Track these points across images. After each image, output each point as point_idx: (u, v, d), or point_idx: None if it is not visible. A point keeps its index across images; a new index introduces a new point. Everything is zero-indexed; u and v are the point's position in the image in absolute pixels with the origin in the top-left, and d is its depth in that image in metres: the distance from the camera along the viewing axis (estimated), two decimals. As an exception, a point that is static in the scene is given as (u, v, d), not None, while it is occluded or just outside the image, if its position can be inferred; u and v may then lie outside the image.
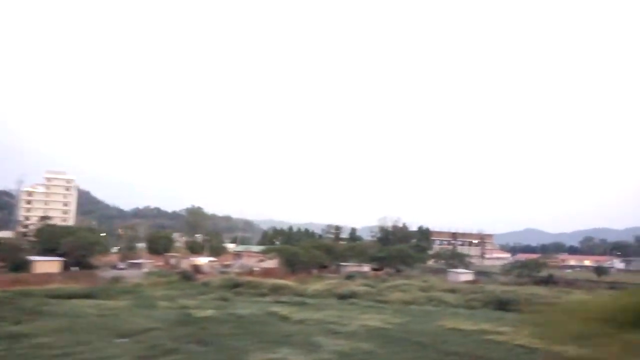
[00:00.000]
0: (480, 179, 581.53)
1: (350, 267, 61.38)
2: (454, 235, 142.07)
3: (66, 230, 56.51)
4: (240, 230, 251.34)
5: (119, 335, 20.86)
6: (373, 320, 26.47)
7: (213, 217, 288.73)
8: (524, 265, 58.32)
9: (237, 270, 56.07)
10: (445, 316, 28.83)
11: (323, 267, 63.54)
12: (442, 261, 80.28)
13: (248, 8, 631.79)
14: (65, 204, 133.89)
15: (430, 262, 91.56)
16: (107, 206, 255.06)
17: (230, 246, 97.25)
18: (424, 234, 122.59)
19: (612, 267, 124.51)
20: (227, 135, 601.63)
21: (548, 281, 51.62)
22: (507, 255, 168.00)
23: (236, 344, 20.02)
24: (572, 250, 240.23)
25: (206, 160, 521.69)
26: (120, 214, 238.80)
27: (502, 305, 34.09)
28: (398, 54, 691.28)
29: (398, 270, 59.38)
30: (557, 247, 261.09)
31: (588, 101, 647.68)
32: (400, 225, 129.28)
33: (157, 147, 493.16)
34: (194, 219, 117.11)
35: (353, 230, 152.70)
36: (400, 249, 60.48)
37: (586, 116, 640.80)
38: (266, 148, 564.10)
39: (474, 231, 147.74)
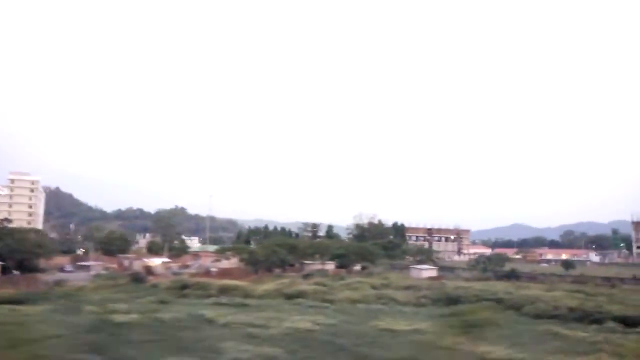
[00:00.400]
0: (466, 175, 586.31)
1: (314, 265, 59.88)
2: (430, 231, 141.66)
3: (5, 233, 53.88)
4: (222, 230, 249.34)
5: (7, 346, 19.01)
6: (304, 322, 24.84)
7: (196, 217, 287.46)
8: (488, 260, 57.33)
9: (192, 272, 54.17)
10: (386, 315, 27.41)
11: (289, 265, 62.01)
12: (410, 258, 79.28)
13: (245, 8, 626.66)
14: (30, 206, 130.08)
15: (408, 259, 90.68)
16: (89, 208, 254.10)
17: (196, 247, 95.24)
18: (399, 230, 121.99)
19: (588, 261, 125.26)
20: (214, 135, 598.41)
21: (510, 276, 50.70)
22: (487, 250, 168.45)
23: (135, 351, 18.30)
24: (553, 245, 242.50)
25: (193, 160, 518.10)
26: (102, 215, 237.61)
27: (452, 302, 32.76)
28: (374, 50, 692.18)
29: (364, 268, 58.13)
30: (538, 242, 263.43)
31: (574, 97, 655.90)
32: (376, 222, 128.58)
33: (144, 149, 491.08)
34: (163, 219, 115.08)
35: (329, 228, 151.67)
36: (360, 246, 59.10)
37: (573, 113, 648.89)
38: (254, 147, 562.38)
39: (451, 227, 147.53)
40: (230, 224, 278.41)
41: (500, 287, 39.30)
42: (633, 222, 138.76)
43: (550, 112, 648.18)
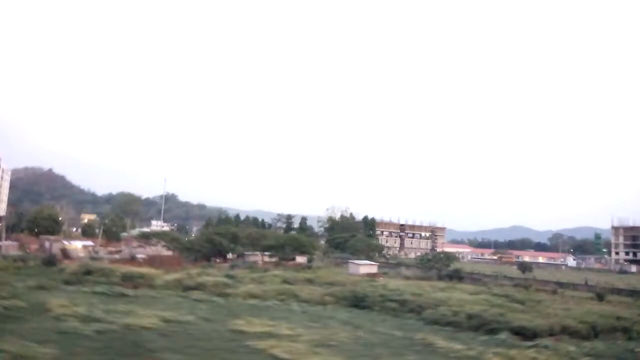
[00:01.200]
0: (470, 176, 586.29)
1: (253, 256, 56.77)
2: (403, 227, 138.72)
3: None
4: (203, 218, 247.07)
5: None
6: (152, 317, 21.79)
7: (186, 205, 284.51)
8: (434, 258, 54.34)
9: (116, 257, 50.92)
10: (262, 314, 24.33)
11: (239, 255, 58.97)
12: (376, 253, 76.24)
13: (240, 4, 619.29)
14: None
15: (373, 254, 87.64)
16: (82, 191, 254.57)
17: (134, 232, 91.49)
18: (369, 225, 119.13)
19: (564, 265, 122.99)
20: (211, 124, 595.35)
21: (452, 276, 47.85)
22: (466, 249, 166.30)
23: None
24: (540, 247, 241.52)
25: (190, 150, 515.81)
26: (93, 199, 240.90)
27: (357, 300, 29.74)
28: (351, 41, 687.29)
29: (290, 259, 55.20)
30: (523, 244, 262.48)
31: (575, 98, 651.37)
32: (348, 215, 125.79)
33: (141, 134, 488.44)
34: (123, 203, 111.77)
35: (303, 220, 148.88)
36: (294, 237, 55.89)
37: (577, 114, 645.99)
38: (251, 139, 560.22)
39: (426, 223, 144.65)
40: (221, 212, 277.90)
41: (426, 288, 36.33)
42: (613, 227, 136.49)
43: (558, 114, 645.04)
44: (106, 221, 73.04)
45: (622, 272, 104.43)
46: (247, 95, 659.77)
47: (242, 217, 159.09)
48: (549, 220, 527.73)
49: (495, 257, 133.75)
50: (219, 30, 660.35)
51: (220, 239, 57.96)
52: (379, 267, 52.76)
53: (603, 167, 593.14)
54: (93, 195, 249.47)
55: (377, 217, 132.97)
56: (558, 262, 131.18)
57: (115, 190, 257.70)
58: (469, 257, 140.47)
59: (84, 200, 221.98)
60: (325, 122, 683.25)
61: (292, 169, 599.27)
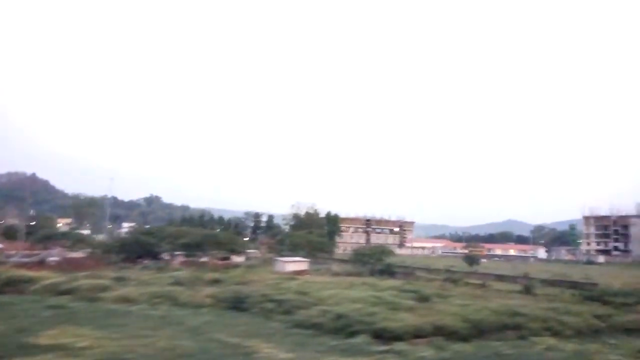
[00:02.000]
0: (463, 171, 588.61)
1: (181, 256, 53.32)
2: (369, 222, 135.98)
3: None
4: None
5: None
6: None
7: (169, 207, 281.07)
8: (366, 253, 51.39)
9: (24, 261, 47.13)
10: (94, 323, 21.09)
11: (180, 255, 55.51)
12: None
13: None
14: None
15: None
16: (65, 195, 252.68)
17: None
18: (332, 221, 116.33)
19: (532, 257, 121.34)
20: (197, 125, 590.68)
21: (384, 271, 45.04)
22: (436, 244, 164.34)
23: None
24: (522, 240, 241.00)
25: (178, 151, 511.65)
26: (90, 204, 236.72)
27: (238, 302, 26.57)
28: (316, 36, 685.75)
29: (224, 258, 51.93)
30: (505, 237, 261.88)
31: (569, 92, 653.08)
32: (312, 211, 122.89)
33: (128, 137, 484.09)
34: (78, 206, 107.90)
35: (270, 218, 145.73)
36: (212, 235, 52.42)
37: (571, 108, 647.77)
38: (239, 139, 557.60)
39: (394, 218, 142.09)
40: (206, 214, 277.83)
41: (340, 284, 33.48)
42: (584, 217, 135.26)
43: (549, 108, 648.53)
44: (33, 223, 68.98)
45: (589, 262, 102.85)
46: (232, 95, 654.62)
47: (228, 217, 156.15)
48: (542, 214, 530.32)
49: (466, 251, 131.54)
50: (195, 28, 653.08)
51: (149, 238, 54.41)
52: (312, 263, 49.67)
53: (595, 160, 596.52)
54: (76, 199, 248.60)
55: (356, 214, 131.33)
56: (529, 254, 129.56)
57: (99, 193, 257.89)
58: (440, 251, 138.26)
59: (67, 205, 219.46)
60: (307, 121, 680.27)
61: (278, 169, 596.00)
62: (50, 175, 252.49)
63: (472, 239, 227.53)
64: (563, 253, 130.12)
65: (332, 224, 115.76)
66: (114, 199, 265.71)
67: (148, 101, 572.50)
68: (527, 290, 33.92)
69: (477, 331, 20.41)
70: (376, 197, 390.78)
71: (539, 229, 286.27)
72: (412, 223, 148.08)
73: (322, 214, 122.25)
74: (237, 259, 57.88)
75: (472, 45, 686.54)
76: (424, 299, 27.47)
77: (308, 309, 23.08)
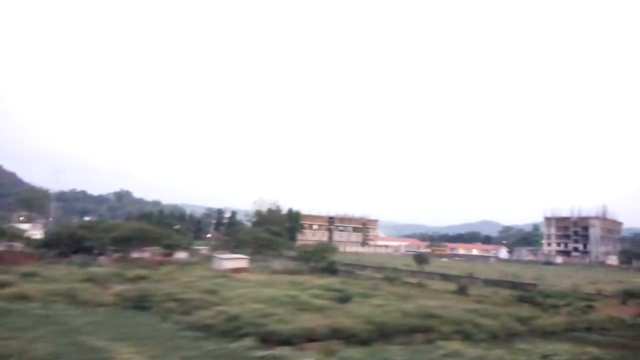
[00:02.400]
0: (439, 172, 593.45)
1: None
2: (332, 220, 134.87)
3: None
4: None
5: None
6: None
7: (140, 202, 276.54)
8: (309, 251, 49.88)
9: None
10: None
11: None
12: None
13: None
14: None
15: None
16: (32, 188, 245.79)
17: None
18: (293, 217, 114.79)
19: (492, 257, 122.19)
20: (175, 120, 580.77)
21: (325, 270, 43.72)
22: (402, 242, 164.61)
23: None
24: (488, 240, 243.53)
25: (155, 146, 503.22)
26: (44, 196, 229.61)
27: (140, 301, 24.66)
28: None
29: (166, 255, 49.80)
30: (474, 237, 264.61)
31: (541, 95, 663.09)
32: (274, 208, 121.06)
33: (100, 130, 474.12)
34: (28, 199, 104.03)
35: (233, 214, 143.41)
36: (140, 229, 49.79)
37: (548, 109, 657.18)
38: (215, 135, 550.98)
39: (357, 216, 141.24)
40: (177, 210, 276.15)
41: (273, 283, 31.94)
42: (545, 218, 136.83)
43: (526, 108, 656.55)
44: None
45: (548, 263, 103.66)
46: (209, 91, 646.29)
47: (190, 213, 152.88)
48: (515, 215, 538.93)
49: (428, 251, 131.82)
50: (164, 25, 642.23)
51: (84, 232, 51.74)
52: (255, 261, 47.95)
53: (570, 161, 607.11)
54: (44, 192, 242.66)
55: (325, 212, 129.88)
56: (491, 254, 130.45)
57: (67, 187, 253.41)
58: (403, 250, 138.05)
59: (33, 197, 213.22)
60: (292, 118, 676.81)
61: (255, 167, 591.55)
62: (18, 168, 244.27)
63: (442, 239, 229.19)
64: (524, 253, 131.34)
65: (294, 221, 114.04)
66: (84, 193, 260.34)
67: (126, 96, 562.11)
68: (461, 291, 32.85)
69: (381, 334, 19.02)
70: (355, 197, 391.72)
71: (507, 229, 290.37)
72: (376, 221, 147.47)
73: (285, 211, 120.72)
74: (180, 255, 55.71)
75: (450, 49, 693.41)
76: (344, 299, 26.03)
77: (207, 309, 21.37)
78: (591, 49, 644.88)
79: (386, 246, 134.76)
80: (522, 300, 29.88)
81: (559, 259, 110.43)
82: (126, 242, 46.80)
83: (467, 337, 20.19)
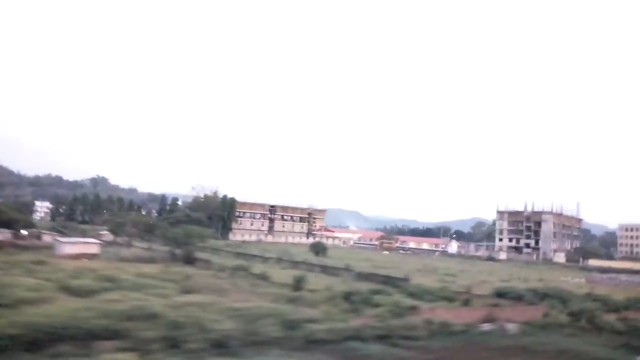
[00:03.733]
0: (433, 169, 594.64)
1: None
2: (273, 209, 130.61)
3: None
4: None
5: None
6: None
7: (115, 188, 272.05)
8: (173, 237, 45.60)
9: None
10: None
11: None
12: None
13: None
14: None
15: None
16: (10, 172, 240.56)
17: None
18: (228, 204, 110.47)
19: (437, 251, 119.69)
20: (146, 106, 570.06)
21: (187, 259, 40.19)
22: (356, 235, 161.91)
23: None
24: (459, 235, 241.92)
25: (135, 134, 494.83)
26: (19, 180, 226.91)
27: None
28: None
29: (18, 237, 45.21)
30: (444, 232, 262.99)
31: (541, 87, 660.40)
32: (212, 194, 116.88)
33: (76, 115, 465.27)
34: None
35: (173, 201, 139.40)
36: None
37: (545, 107, 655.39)
38: (187, 124, 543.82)
39: (304, 206, 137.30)
40: (153, 198, 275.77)
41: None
42: (498, 212, 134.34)
43: (525, 108, 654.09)
44: None
45: (490, 259, 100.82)
46: (182, 80, 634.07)
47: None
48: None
49: (376, 243, 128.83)
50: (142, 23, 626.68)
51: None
52: (110, 245, 43.53)
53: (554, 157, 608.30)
54: (20, 177, 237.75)
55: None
56: (440, 248, 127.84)
57: (42, 172, 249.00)
58: (351, 242, 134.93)
59: (8, 182, 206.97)
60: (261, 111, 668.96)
61: (226, 155, 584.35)
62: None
63: (411, 233, 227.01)
64: (472, 248, 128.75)
65: (228, 208, 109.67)
66: (59, 178, 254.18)
67: (107, 88, 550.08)
68: (297, 285, 28.65)
69: (52, 339, 14.45)
70: (349, 193, 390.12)
71: (480, 224, 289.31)
72: (323, 211, 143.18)
73: (217, 197, 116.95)
74: (49, 239, 50.93)
75: (449, 48, 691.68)
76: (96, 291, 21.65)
77: None
78: (592, 48, 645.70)
79: (334, 238, 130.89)
80: (346, 297, 25.70)
81: (503, 255, 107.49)
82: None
83: (173, 345, 15.73)
